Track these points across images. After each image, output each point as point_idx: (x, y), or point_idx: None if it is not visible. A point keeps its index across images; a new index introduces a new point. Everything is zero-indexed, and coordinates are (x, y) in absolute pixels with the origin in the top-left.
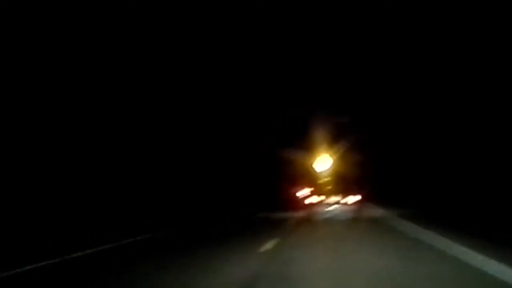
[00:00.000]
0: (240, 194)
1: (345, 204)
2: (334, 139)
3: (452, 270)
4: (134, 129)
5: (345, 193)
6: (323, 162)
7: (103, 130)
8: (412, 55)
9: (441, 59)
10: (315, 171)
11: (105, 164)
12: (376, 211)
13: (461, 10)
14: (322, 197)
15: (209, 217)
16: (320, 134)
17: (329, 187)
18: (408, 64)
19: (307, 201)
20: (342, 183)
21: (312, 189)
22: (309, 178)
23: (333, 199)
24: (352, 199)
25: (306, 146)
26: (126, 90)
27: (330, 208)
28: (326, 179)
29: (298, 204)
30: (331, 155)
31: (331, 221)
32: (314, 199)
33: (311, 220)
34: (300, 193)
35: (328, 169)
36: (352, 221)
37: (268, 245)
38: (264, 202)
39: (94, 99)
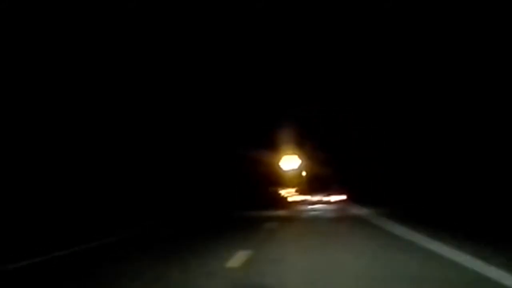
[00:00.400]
0: (216, 192)
1: (328, 203)
2: (305, 139)
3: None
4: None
5: (327, 192)
6: (291, 161)
7: (103, 132)
8: (409, 55)
9: (436, 58)
10: (282, 170)
11: (93, 165)
12: (359, 210)
13: (461, 9)
14: (304, 196)
15: (182, 215)
16: (290, 133)
17: (308, 185)
18: (401, 62)
19: (289, 200)
20: (322, 182)
21: (294, 188)
22: (280, 177)
23: (316, 198)
24: (335, 198)
25: (276, 146)
26: (123, 91)
27: (313, 207)
28: (300, 178)
29: (281, 202)
30: (300, 154)
31: (314, 220)
32: (296, 197)
33: (294, 218)
34: (283, 192)
35: (297, 168)
36: (336, 220)
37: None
38: (242, 200)
39: (93, 99)
